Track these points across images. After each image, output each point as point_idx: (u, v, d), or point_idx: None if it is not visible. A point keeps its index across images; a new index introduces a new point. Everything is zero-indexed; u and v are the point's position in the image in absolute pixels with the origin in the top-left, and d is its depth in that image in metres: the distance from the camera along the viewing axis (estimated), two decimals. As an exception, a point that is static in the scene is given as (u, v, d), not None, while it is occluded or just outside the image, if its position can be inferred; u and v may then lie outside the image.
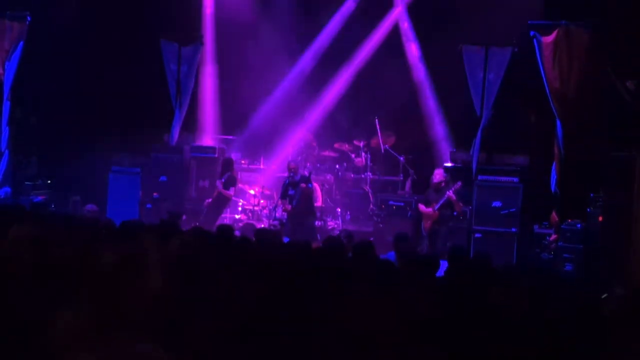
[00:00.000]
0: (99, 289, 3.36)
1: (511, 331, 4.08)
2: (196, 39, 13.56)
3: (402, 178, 13.65)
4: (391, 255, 8.38)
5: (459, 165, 12.35)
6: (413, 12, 14.04)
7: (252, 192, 13.43)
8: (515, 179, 11.67)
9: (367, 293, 3.85)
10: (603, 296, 7.57)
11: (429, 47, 13.79)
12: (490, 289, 4.71)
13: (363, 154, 13.90)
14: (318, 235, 12.23)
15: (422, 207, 11.82)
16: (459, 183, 11.45)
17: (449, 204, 11.48)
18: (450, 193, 11.35)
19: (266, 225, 12.38)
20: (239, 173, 13.86)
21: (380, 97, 14.03)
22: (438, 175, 11.69)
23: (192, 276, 4.26)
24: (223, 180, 12.73)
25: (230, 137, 14.47)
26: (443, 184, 11.57)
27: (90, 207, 10.36)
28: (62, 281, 3.70)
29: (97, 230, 6.32)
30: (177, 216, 9.98)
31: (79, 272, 3.74)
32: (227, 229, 7.01)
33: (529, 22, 11.45)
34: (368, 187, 13.73)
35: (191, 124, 14.15)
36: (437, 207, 11.51)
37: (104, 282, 3.41)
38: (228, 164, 12.92)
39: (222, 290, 4.03)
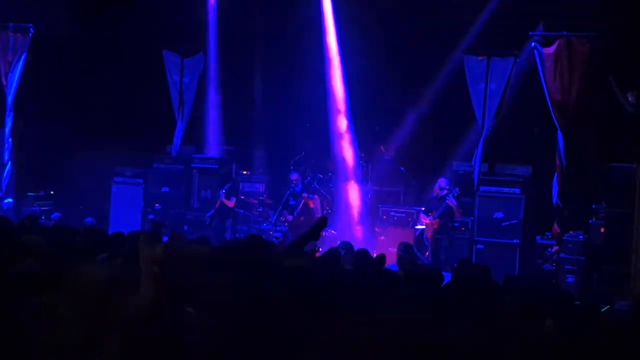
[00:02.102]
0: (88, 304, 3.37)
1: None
2: (198, 50, 13.60)
3: (403, 188, 13.64)
4: (394, 267, 8.38)
5: (460, 175, 12.35)
6: (415, 21, 14.05)
7: (254, 202, 13.42)
8: (518, 190, 11.66)
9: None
10: (604, 308, 7.57)
11: (431, 56, 13.79)
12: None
13: (365, 164, 13.89)
14: (320, 248, 12.23)
15: (422, 216, 11.89)
16: (457, 189, 11.49)
17: (449, 212, 11.52)
18: (450, 198, 11.39)
19: (268, 237, 12.38)
20: (240, 183, 13.88)
21: (381, 107, 14.03)
22: (440, 183, 11.74)
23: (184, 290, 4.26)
24: (225, 190, 12.77)
25: (233, 147, 14.47)
26: (444, 192, 11.61)
27: (89, 220, 10.41)
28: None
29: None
30: (160, 226, 9.98)
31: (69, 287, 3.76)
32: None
33: (530, 32, 11.48)
34: (369, 198, 13.72)
35: (193, 134, 14.17)
36: (437, 215, 11.55)
37: (95, 297, 3.42)
38: (228, 175, 12.97)
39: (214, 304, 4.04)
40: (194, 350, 3.56)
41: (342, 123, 14.08)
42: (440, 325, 3.86)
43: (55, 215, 12.20)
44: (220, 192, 12.87)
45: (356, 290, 5.06)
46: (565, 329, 4.34)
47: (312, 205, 12.59)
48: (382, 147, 13.98)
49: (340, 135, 14.34)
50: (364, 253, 7.36)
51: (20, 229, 6.65)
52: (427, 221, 11.76)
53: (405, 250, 8.78)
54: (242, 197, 13.57)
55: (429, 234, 11.73)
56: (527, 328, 4.35)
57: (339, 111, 14.41)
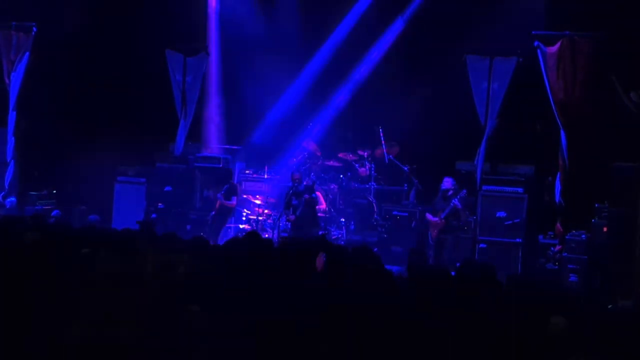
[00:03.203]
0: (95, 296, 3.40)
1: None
2: (201, 50, 13.60)
3: (406, 188, 13.65)
4: (396, 270, 8.34)
5: (463, 175, 12.34)
6: (417, 22, 14.05)
7: (257, 201, 13.42)
8: (520, 190, 11.66)
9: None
10: (608, 307, 7.56)
11: (434, 57, 13.80)
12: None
13: (367, 163, 13.90)
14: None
15: (429, 215, 11.89)
16: (464, 191, 11.50)
17: (455, 212, 11.52)
18: (455, 202, 11.40)
19: (270, 236, 12.38)
20: (243, 183, 13.89)
21: (384, 106, 14.03)
22: (446, 183, 11.74)
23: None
24: (223, 192, 12.79)
25: (235, 147, 14.49)
26: (451, 193, 11.60)
27: (93, 217, 10.44)
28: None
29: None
30: (148, 225, 9.92)
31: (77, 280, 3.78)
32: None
33: (532, 32, 11.47)
34: (372, 197, 13.73)
35: (196, 134, 14.18)
36: (443, 215, 11.54)
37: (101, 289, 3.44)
38: (226, 175, 13.00)
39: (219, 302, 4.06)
40: (198, 345, 3.58)
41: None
42: (445, 323, 3.89)
43: (55, 212, 12.22)
44: (218, 195, 12.88)
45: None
46: (571, 327, 4.35)
47: (314, 205, 12.59)
48: (384, 146, 13.98)
49: (344, 135, 14.37)
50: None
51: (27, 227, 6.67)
52: (433, 221, 11.75)
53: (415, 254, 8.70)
54: (245, 196, 13.57)
55: (434, 234, 11.72)
56: (531, 326, 4.36)
57: (342, 111, 14.45)
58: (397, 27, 14.31)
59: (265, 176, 13.97)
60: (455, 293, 5.75)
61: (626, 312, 5.61)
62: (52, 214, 12.12)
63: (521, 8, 12.17)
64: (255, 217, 13.33)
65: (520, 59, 11.77)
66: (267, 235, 12.39)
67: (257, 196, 13.55)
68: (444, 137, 13.58)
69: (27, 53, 13.20)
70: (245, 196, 13.57)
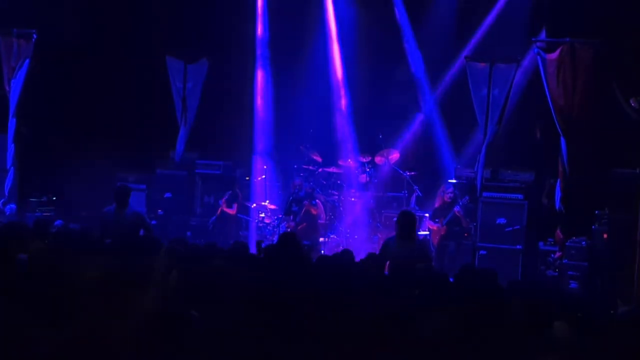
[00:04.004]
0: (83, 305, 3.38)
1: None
2: (202, 56, 13.62)
3: (406, 194, 13.65)
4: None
5: (463, 181, 12.36)
6: (417, 28, 14.07)
7: (258, 209, 13.43)
8: (520, 196, 11.65)
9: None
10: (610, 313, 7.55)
11: (433, 62, 13.83)
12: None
13: (367, 170, 13.91)
14: (322, 252, 12.26)
15: (429, 222, 11.89)
16: (466, 197, 11.52)
17: (456, 219, 11.53)
18: (457, 208, 11.41)
19: (270, 242, 12.38)
20: (243, 189, 13.90)
21: (384, 113, 14.05)
22: (447, 190, 11.75)
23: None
24: (226, 198, 12.79)
25: (235, 152, 14.49)
26: (451, 200, 11.62)
27: (58, 222, 10.38)
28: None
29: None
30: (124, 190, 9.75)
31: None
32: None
33: (532, 39, 11.49)
34: (372, 204, 13.73)
35: (196, 140, 14.19)
36: (444, 222, 11.55)
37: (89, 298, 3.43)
38: (229, 182, 13.00)
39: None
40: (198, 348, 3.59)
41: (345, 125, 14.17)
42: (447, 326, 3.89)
43: (58, 222, 12.17)
44: (220, 201, 12.90)
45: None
46: (574, 331, 4.36)
47: (314, 212, 12.61)
48: (384, 153, 14.00)
49: (344, 141, 14.37)
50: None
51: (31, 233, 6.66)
52: (435, 227, 11.75)
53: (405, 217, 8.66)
54: (245, 203, 13.58)
55: (435, 240, 11.72)
56: (533, 330, 4.37)
57: (342, 117, 14.45)
58: (397, 32, 14.32)
59: (266, 183, 13.97)
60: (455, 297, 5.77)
61: (627, 318, 5.62)
62: (55, 223, 12.07)
63: (521, 14, 12.20)
64: (255, 224, 13.34)
65: (521, 65, 11.79)
66: (267, 242, 12.40)
67: (257, 202, 13.56)
68: (444, 144, 13.61)
69: (28, 60, 13.20)
70: (245, 203, 13.57)
